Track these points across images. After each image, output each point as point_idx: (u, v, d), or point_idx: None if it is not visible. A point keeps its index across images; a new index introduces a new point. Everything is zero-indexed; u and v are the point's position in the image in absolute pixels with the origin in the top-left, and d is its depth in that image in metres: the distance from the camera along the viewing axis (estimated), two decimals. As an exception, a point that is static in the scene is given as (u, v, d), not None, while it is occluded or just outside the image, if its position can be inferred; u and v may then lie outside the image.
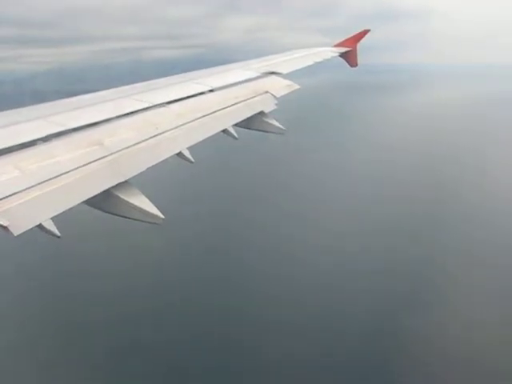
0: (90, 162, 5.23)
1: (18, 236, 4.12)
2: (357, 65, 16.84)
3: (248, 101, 8.61)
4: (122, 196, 5.20)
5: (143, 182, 5.88)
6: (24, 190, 4.44)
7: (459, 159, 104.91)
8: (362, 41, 16.53)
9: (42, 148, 5.26)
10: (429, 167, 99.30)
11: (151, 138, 6.24)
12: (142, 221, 5.25)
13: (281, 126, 8.65)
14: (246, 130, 8.46)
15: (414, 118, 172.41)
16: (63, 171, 4.90)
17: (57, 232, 4.64)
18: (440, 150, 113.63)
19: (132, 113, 6.79)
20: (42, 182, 4.62)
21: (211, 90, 8.67)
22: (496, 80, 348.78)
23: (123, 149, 5.72)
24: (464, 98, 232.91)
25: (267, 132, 8.67)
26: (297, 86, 10.35)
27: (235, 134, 7.93)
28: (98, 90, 8.18)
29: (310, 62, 12.99)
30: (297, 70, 11.77)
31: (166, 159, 6.20)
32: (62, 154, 5.18)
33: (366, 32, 16.52)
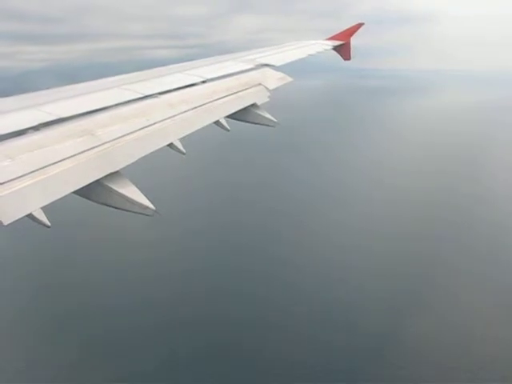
0: (81, 152, 5.19)
1: (8, 225, 4.10)
2: (350, 58, 16.71)
3: (240, 93, 8.57)
4: (113, 186, 5.17)
5: (134, 172, 5.86)
6: (14, 179, 4.40)
7: (468, 161, 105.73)
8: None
9: (32, 137, 5.21)
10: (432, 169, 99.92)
11: (142, 128, 6.19)
12: (133, 212, 5.22)
13: (273, 119, 8.61)
14: (238, 122, 8.42)
15: (407, 121, 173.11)
16: (54, 161, 4.86)
17: (47, 222, 4.62)
18: (442, 152, 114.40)
19: (123, 103, 6.74)
20: (32, 172, 4.59)
21: (204, 82, 8.62)
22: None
23: (114, 139, 5.68)
24: (473, 105, 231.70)
25: (259, 124, 8.64)
26: (290, 79, 10.30)
27: (227, 126, 7.90)
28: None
29: (303, 55, 12.91)
30: (291, 64, 11.70)
31: (158, 150, 6.17)
32: (52, 143, 5.13)
33: (359, 26, 16.36)
